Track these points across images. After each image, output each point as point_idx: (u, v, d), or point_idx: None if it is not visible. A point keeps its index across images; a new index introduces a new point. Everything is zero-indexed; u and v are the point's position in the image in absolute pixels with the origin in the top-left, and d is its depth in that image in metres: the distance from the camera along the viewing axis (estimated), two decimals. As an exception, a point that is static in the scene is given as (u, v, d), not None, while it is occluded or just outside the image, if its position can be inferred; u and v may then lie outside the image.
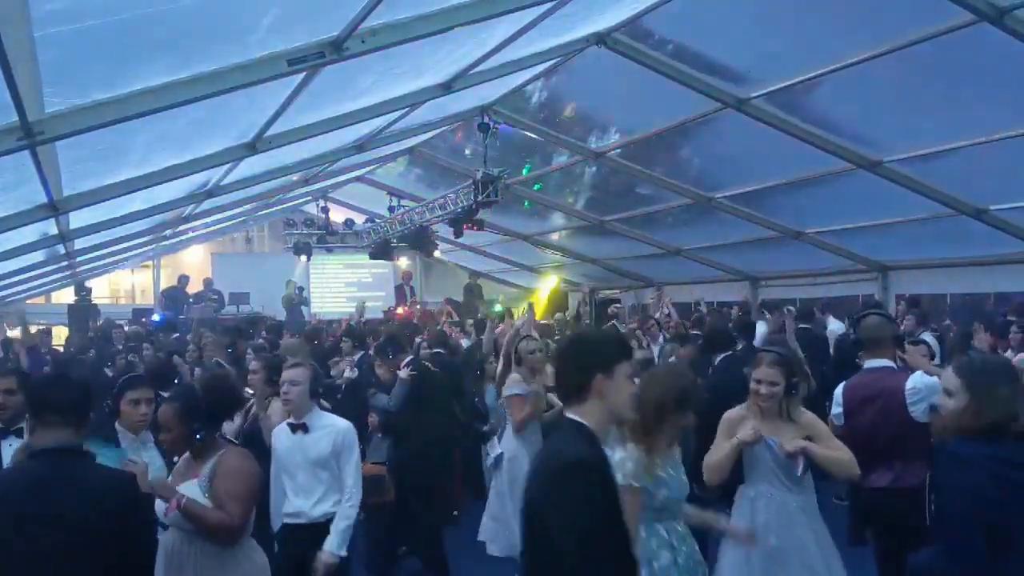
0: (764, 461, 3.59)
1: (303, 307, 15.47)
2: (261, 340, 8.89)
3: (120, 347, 9.48)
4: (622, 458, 3.01)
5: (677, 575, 3.03)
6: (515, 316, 7.96)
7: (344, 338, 8.43)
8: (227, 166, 6.78)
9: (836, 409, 4.34)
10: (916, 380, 3.90)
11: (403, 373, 5.74)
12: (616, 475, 2.74)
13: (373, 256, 13.17)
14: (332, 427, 3.98)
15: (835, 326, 8.84)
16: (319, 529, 3.84)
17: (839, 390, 4.36)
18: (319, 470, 3.91)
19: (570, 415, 2.23)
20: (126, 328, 11.43)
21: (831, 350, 7.64)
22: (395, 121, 7.40)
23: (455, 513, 6.96)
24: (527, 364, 5.30)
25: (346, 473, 3.93)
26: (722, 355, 5.82)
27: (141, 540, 2.87)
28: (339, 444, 3.93)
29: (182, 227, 11.36)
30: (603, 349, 2.30)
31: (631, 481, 2.96)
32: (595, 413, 2.22)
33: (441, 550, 5.61)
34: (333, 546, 3.78)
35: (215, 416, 3.19)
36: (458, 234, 10.09)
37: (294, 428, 3.98)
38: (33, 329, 12.09)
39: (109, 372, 7.68)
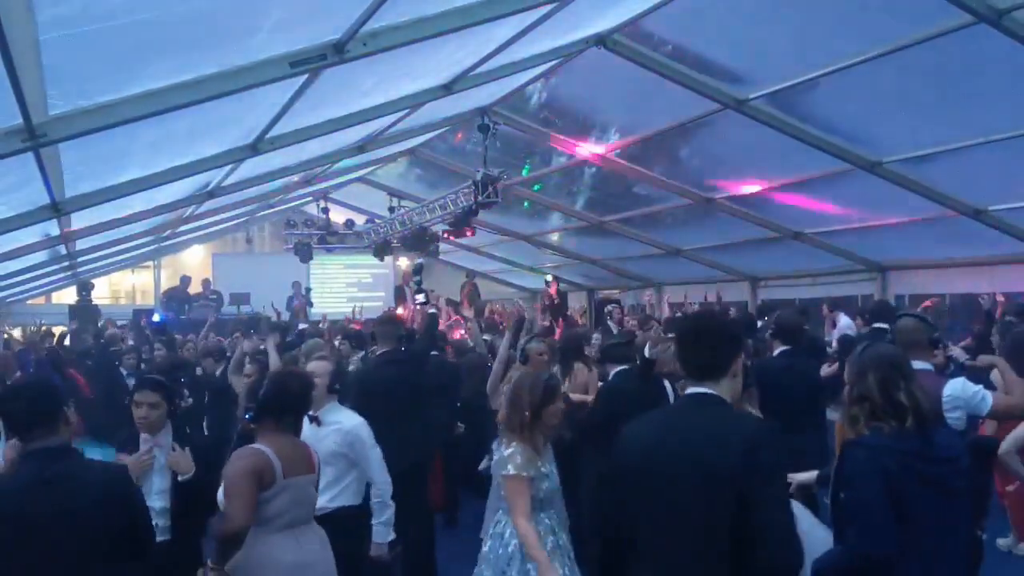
0: None
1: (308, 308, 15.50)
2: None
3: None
4: (511, 452, 3.40)
5: (560, 556, 3.42)
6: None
7: (343, 339, 8.42)
8: (229, 167, 6.80)
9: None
10: (955, 387, 3.62)
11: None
12: (508, 466, 3.35)
13: (377, 254, 13.14)
14: (340, 424, 4.09)
15: (845, 322, 8.79)
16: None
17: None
18: (324, 465, 3.96)
19: (707, 390, 2.40)
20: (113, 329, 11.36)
21: (834, 349, 7.61)
22: (396, 122, 7.43)
23: (456, 514, 6.98)
24: (534, 364, 5.29)
25: (367, 467, 4.09)
26: None
27: (139, 529, 2.91)
28: (345, 442, 4.05)
29: (183, 227, 11.39)
30: (739, 334, 2.60)
31: (521, 472, 3.35)
32: (728, 390, 2.43)
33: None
34: (377, 536, 4.08)
35: (266, 408, 3.34)
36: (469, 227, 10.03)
37: (310, 419, 4.08)
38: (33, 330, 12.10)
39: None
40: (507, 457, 3.40)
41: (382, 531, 4.11)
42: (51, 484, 2.66)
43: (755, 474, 2.20)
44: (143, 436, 3.89)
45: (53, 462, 2.72)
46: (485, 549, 3.52)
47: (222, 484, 3.23)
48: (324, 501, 3.94)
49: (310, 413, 4.05)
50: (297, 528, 3.31)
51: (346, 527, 3.97)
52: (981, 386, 3.65)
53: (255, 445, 3.27)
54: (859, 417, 2.63)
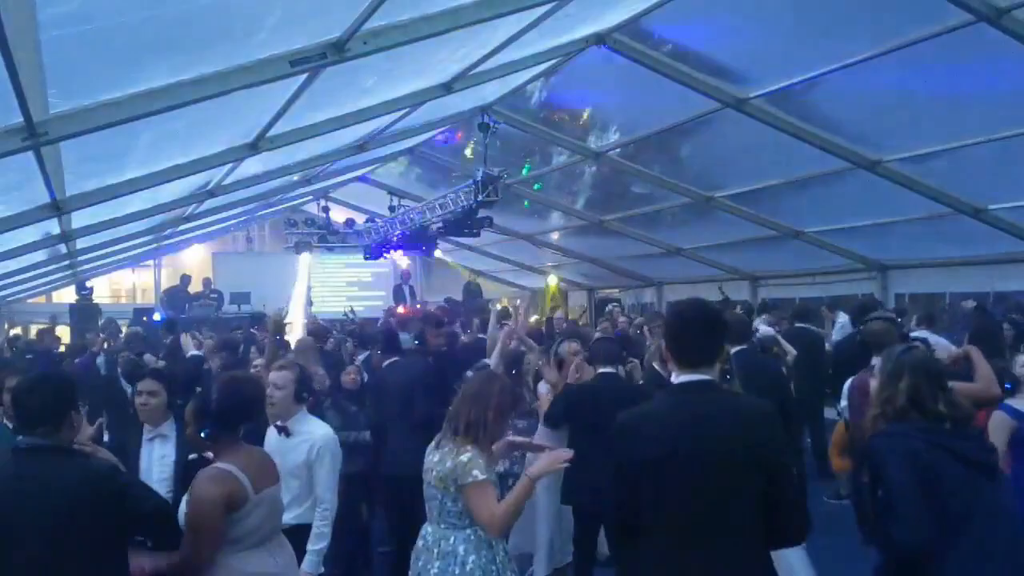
0: None
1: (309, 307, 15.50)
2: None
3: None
4: (471, 456, 3.12)
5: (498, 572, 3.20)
6: (515, 316, 7.86)
7: (348, 338, 8.45)
8: (229, 166, 6.80)
9: (843, 403, 4.59)
10: None
11: (346, 379, 5.76)
12: (474, 472, 3.08)
13: (368, 256, 13.15)
14: (310, 435, 3.89)
15: (843, 319, 8.78)
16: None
17: (846, 386, 4.58)
18: (290, 478, 3.77)
19: (707, 377, 2.54)
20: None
21: (828, 350, 7.64)
22: (396, 121, 7.43)
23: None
24: (568, 364, 5.06)
25: (317, 482, 3.84)
26: None
27: (146, 519, 2.89)
28: (312, 453, 3.84)
29: (183, 226, 11.38)
30: (725, 322, 2.82)
31: (484, 475, 3.10)
32: (715, 374, 2.63)
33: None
34: (308, 566, 3.70)
35: (224, 419, 3.13)
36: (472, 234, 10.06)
37: (279, 430, 3.93)
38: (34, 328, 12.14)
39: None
40: (467, 463, 3.08)
41: (314, 561, 3.72)
42: (29, 480, 2.65)
43: (778, 447, 2.44)
44: (146, 427, 3.93)
45: (37, 459, 2.70)
46: (434, 571, 3.12)
47: (187, 509, 2.98)
48: (288, 517, 3.67)
49: (279, 424, 3.93)
50: (272, 541, 3.16)
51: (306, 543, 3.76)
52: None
53: (220, 465, 3.04)
54: (885, 414, 2.70)
